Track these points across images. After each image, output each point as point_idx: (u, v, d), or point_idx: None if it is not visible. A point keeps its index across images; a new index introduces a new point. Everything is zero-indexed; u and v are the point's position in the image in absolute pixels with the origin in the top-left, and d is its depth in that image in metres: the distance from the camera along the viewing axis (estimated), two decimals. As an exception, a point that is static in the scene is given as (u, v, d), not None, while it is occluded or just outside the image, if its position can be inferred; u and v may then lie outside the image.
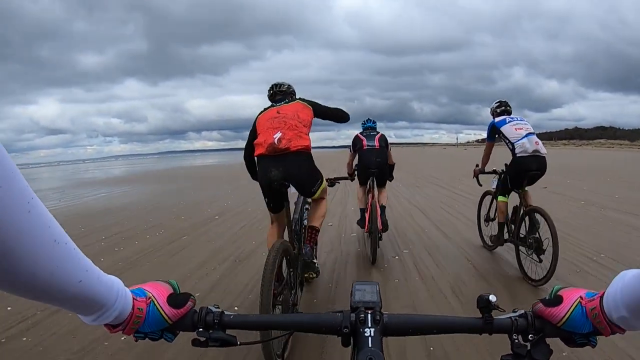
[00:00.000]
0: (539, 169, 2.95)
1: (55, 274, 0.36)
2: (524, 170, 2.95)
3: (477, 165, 3.54)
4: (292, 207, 2.45)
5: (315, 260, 2.32)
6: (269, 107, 2.40)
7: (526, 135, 2.96)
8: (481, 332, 0.54)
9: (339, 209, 6.05)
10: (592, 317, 0.49)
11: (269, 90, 2.54)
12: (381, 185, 3.81)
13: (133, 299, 0.50)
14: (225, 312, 0.57)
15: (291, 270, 2.08)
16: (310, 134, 2.45)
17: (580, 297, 0.51)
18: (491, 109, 3.40)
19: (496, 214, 3.36)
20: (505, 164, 3.17)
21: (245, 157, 2.44)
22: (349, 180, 3.33)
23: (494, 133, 3.20)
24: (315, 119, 2.42)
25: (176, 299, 0.54)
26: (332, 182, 3.03)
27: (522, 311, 0.55)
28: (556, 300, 0.52)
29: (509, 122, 3.10)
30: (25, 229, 0.32)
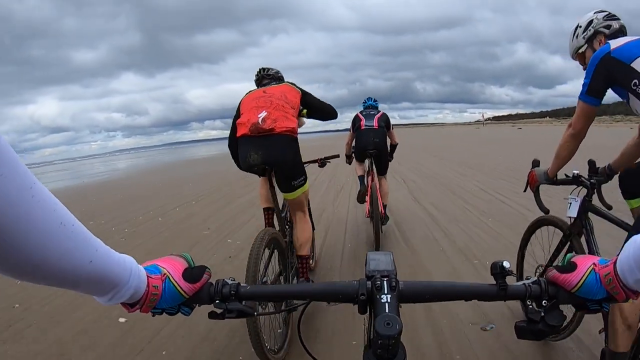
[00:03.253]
0: None
1: (65, 256, 0.37)
2: None
3: (535, 164, 1.78)
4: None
5: None
6: (255, 89, 2.25)
7: None
8: (495, 298, 0.55)
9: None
10: (607, 283, 0.49)
11: (256, 75, 2.38)
12: (381, 172, 3.69)
13: (148, 276, 0.50)
14: (242, 284, 0.57)
15: (285, 260, 2.04)
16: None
17: (594, 263, 0.52)
18: (583, 26, 1.56)
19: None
20: (609, 165, 1.66)
21: (229, 143, 2.21)
22: (338, 158, 2.96)
23: (606, 78, 1.39)
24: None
25: (192, 273, 0.54)
26: (322, 163, 2.81)
27: (536, 278, 0.55)
28: (570, 266, 0.53)
29: None
30: (31, 213, 0.33)
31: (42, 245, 0.34)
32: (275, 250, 1.97)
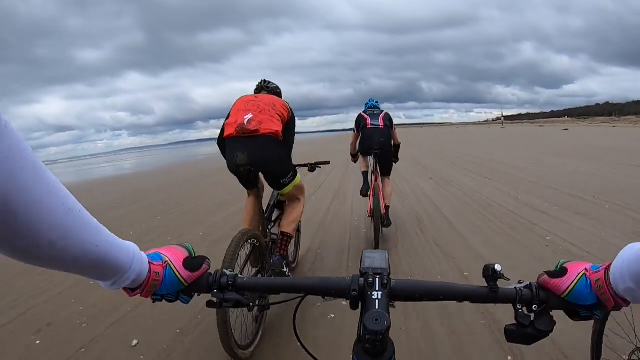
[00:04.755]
0: None
1: (72, 241, 0.38)
2: None
3: None
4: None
5: (285, 270, 2.12)
6: (248, 94, 2.35)
7: None
8: (486, 300, 0.55)
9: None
10: (597, 289, 0.49)
11: (257, 84, 2.49)
12: (385, 173, 3.69)
13: (149, 263, 0.52)
14: (239, 275, 0.59)
15: (263, 259, 2.06)
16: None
17: (585, 269, 0.51)
18: None
19: None
20: None
21: (218, 142, 2.29)
22: (328, 164, 2.95)
23: None
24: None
25: (192, 262, 0.56)
26: (312, 168, 2.85)
27: (528, 282, 0.55)
28: (561, 271, 0.53)
29: None
30: (37, 198, 0.34)
31: (50, 229, 0.36)
32: (255, 249, 2.01)
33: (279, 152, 2.10)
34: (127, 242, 0.49)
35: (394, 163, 3.85)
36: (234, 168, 2.08)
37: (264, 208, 2.36)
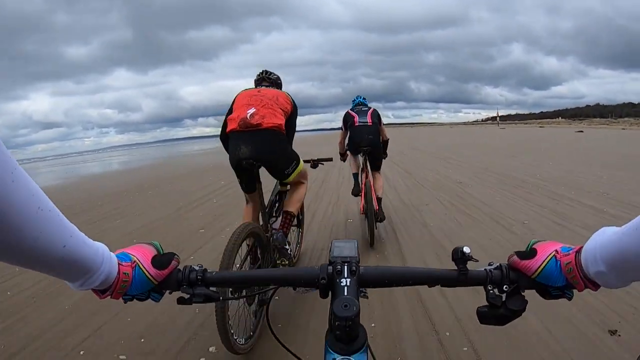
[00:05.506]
0: None
1: (40, 240, 0.38)
2: None
3: None
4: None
5: (287, 247, 2.16)
6: (250, 88, 2.33)
7: None
8: (457, 284, 0.55)
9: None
10: (567, 272, 0.49)
11: (257, 75, 2.48)
12: (375, 168, 3.69)
13: (119, 264, 0.51)
14: (208, 270, 0.59)
15: (265, 254, 2.05)
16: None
17: (556, 250, 0.51)
18: None
19: None
20: None
21: (221, 137, 2.28)
22: (331, 161, 2.99)
23: None
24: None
25: (160, 260, 0.56)
26: (314, 164, 2.86)
27: (497, 264, 0.56)
28: (531, 252, 0.53)
29: None
30: (10, 197, 0.33)
31: (19, 227, 0.35)
32: (256, 244, 2.00)
33: (282, 145, 2.11)
34: (97, 242, 0.48)
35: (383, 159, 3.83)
36: (236, 162, 2.06)
37: (265, 203, 2.30)
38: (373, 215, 3.17)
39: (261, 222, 2.21)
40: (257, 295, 1.88)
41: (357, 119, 3.58)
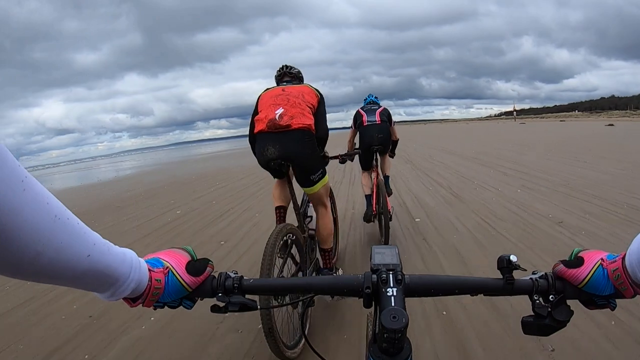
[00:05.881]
0: None
1: (61, 251, 0.35)
2: None
3: None
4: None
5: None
6: (273, 87, 2.26)
7: None
8: (502, 293, 0.54)
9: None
10: (615, 279, 0.48)
11: (278, 71, 2.42)
12: (384, 153, 3.68)
13: (149, 270, 0.49)
14: (245, 277, 0.56)
15: (303, 256, 2.04)
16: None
17: (602, 258, 0.50)
18: None
19: None
20: None
21: (249, 139, 2.21)
22: (351, 161, 2.89)
23: None
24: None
25: (195, 266, 0.53)
26: (343, 159, 2.76)
27: (543, 272, 0.54)
28: (577, 261, 0.51)
29: None
30: (23, 207, 0.32)
31: (35, 240, 0.33)
32: (294, 246, 1.97)
33: (311, 146, 2.05)
34: (123, 249, 0.45)
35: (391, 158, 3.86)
36: (265, 162, 2.03)
37: (298, 203, 2.30)
38: (387, 214, 3.10)
39: (296, 224, 2.18)
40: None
41: (365, 117, 3.55)
